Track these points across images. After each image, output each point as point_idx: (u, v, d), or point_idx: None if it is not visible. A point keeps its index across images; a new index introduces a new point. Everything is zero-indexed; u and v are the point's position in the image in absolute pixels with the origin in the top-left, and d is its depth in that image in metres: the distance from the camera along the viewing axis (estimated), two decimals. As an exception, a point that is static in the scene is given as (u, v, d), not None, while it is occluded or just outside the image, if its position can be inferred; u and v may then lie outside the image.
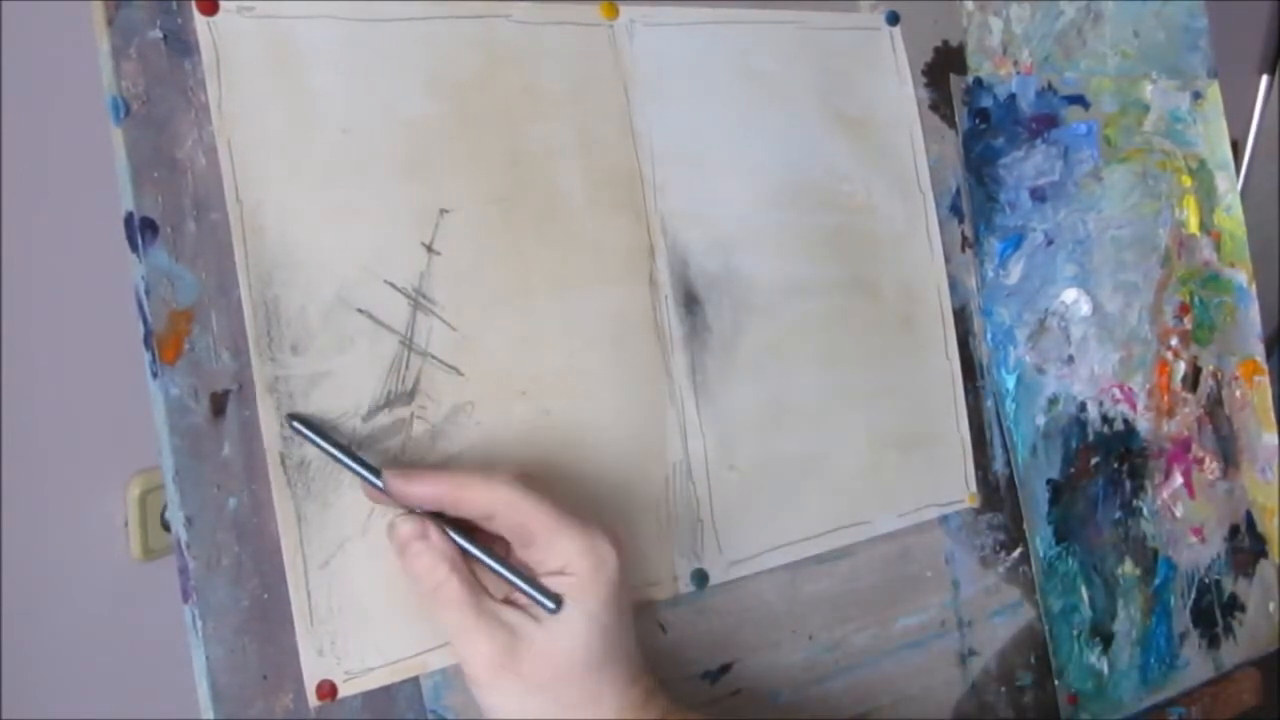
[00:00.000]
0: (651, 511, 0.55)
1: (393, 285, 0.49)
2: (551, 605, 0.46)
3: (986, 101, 0.69)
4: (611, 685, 0.47)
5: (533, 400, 0.52)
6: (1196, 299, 0.78)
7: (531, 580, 0.46)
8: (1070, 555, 0.69)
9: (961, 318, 0.67)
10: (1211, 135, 0.80)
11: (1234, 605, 0.77)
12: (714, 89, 0.59)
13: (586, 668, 0.46)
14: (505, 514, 0.46)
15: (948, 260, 0.66)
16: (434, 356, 0.50)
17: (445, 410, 0.50)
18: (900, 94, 0.66)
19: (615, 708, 0.47)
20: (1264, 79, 1.42)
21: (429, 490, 0.46)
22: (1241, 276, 0.81)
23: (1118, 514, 0.72)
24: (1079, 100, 0.73)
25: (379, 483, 0.46)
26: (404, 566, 0.47)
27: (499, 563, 0.46)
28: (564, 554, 0.46)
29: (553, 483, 0.48)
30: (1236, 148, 1.01)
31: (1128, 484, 0.73)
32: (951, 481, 0.65)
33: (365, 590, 0.47)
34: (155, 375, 0.45)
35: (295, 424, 0.46)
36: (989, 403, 0.67)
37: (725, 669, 0.56)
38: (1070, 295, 0.71)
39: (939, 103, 0.67)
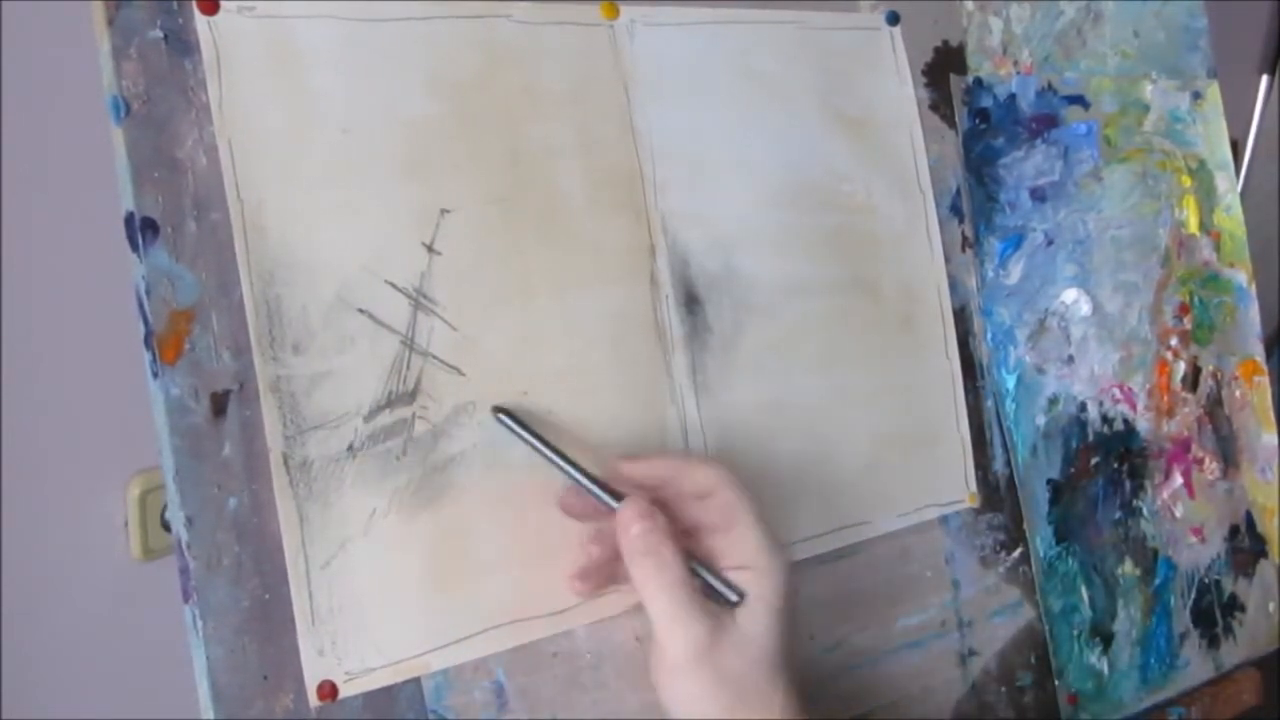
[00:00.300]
0: (652, 511, 0.55)
1: (393, 285, 0.49)
2: (735, 597, 0.48)
3: (986, 101, 0.69)
4: (786, 686, 0.48)
5: (534, 400, 0.52)
6: (1196, 299, 0.78)
7: (718, 573, 0.49)
8: (1070, 555, 0.69)
9: (961, 318, 0.67)
10: (1211, 135, 0.80)
11: (1234, 605, 0.77)
12: (714, 89, 0.59)
13: (771, 664, 0.48)
14: (723, 493, 0.49)
15: (948, 260, 0.66)
16: (435, 356, 0.50)
17: (447, 410, 0.50)
18: (900, 94, 0.66)
19: (784, 707, 0.48)
20: (1264, 79, 1.42)
21: (660, 465, 0.50)
22: (1241, 276, 0.81)
23: (1118, 514, 0.72)
24: (1079, 100, 0.73)
25: (584, 480, 0.49)
26: (628, 546, 0.48)
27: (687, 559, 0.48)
28: (753, 547, 0.48)
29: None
30: (1236, 148, 1.01)
31: (1128, 484, 0.73)
32: (951, 481, 0.65)
33: (366, 590, 0.47)
34: (155, 375, 0.45)
35: (501, 416, 0.49)
36: (989, 403, 0.67)
37: (726, 669, 0.56)
38: (1070, 295, 0.71)
39: (939, 103, 0.67)
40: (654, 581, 0.47)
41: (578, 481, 0.50)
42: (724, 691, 0.47)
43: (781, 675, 0.48)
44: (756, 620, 0.48)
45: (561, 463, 0.50)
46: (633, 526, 0.48)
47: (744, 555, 0.48)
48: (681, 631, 0.47)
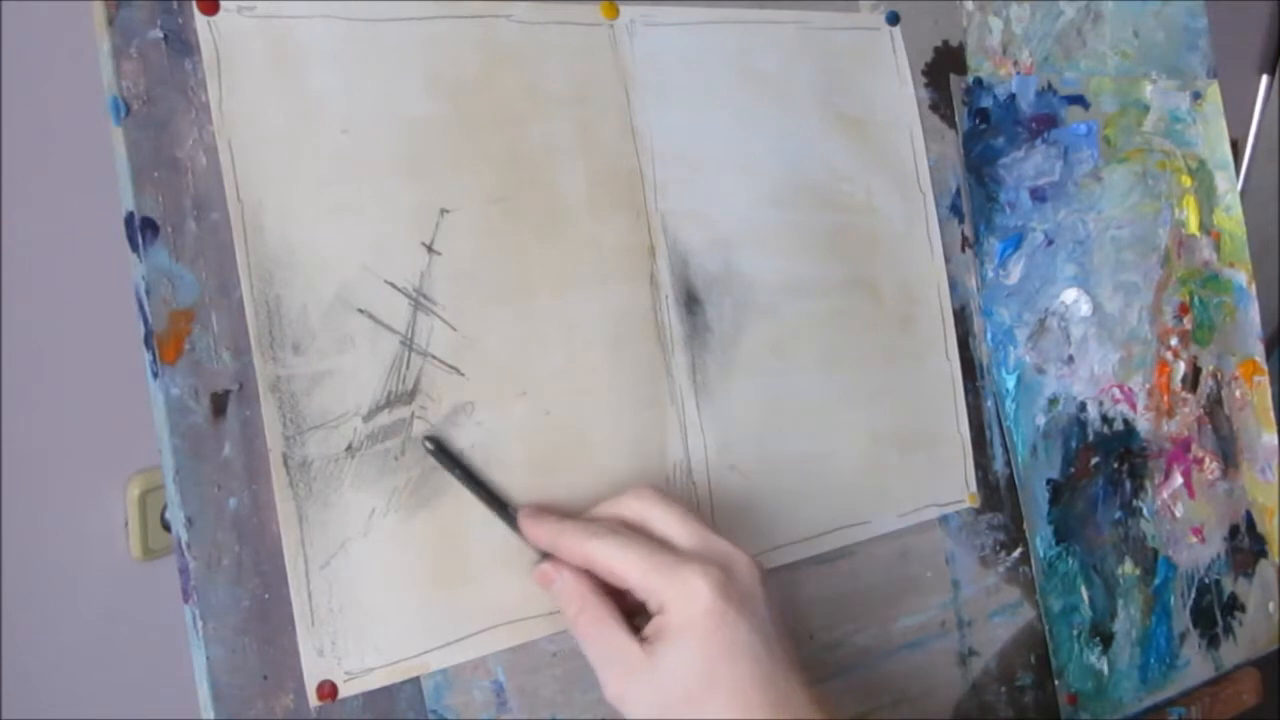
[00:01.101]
0: (652, 511, 0.55)
1: (393, 285, 0.49)
2: (510, 515, 0.50)
3: (986, 101, 0.69)
4: (726, 713, 0.46)
5: (533, 400, 0.52)
6: (1196, 299, 0.78)
7: (501, 509, 0.50)
8: (1070, 555, 0.69)
9: (961, 318, 0.67)
10: (1211, 135, 0.80)
11: (1234, 605, 0.77)
12: (714, 89, 0.59)
13: (693, 701, 0.46)
14: (601, 569, 0.48)
15: (948, 260, 0.66)
16: (434, 356, 0.50)
17: (446, 410, 0.50)
18: (900, 94, 0.66)
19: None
20: (1264, 79, 1.42)
21: (543, 536, 0.50)
22: (1241, 276, 0.81)
23: (1118, 514, 0.72)
24: (1079, 100, 0.73)
25: (513, 519, 0.50)
26: (554, 597, 0.49)
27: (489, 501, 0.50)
28: (656, 595, 0.47)
29: (666, 518, 0.50)
30: (1236, 148, 1.01)
31: (1128, 484, 0.73)
32: (951, 481, 0.65)
33: (366, 590, 0.47)
34: (155, 375, 0.45)
35: (428, 444, 0.49)
36: (989, 403, 0.67)
37: (725, 669, 0.56)
38: (1070, 295, 0.71)
39: (939, 103, 0.67)
40: (577, 628, 0.48)
41: (503, 520, 0.50)
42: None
43: (722, 702, 0.47)
44: (668, 657, 0.47)
45: (487, 501, 0.50)
46: (543, 584, 0.49)
47: (656, 601, 0.47)
48: (602, 675, 0.48)
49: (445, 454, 0.49)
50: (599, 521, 0.50)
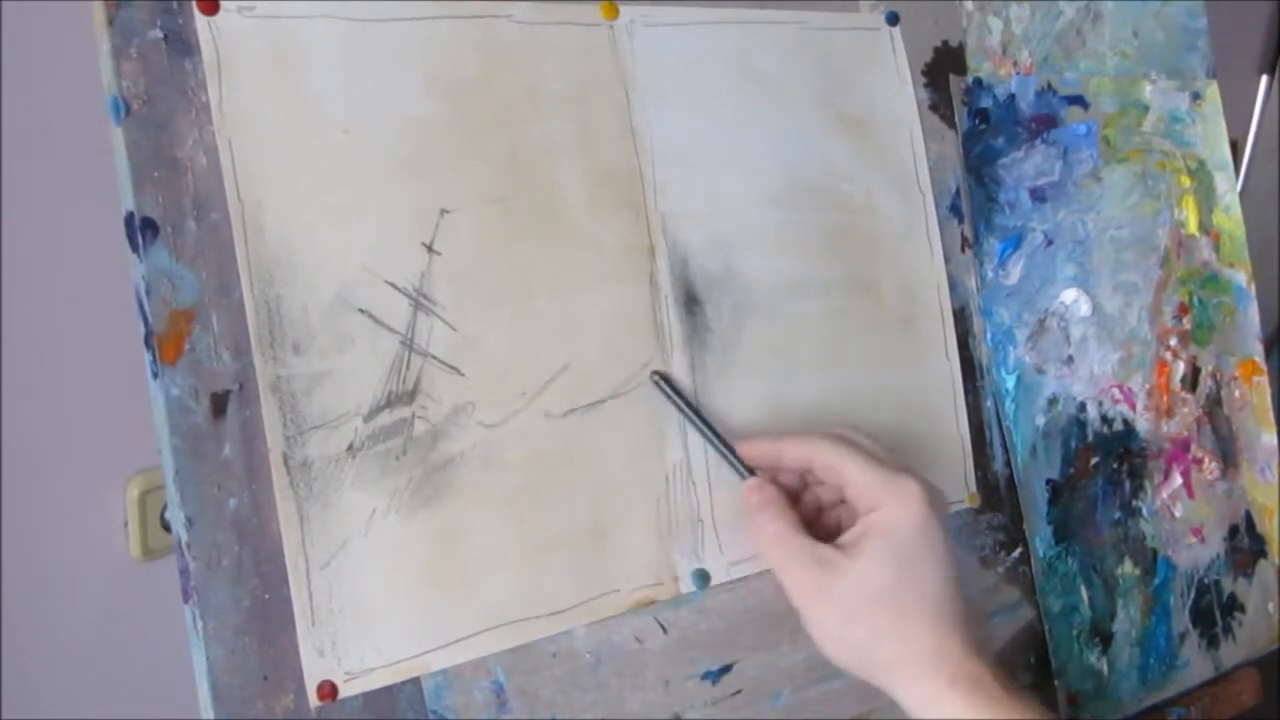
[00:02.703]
0: (652, 511, 0.55)
1: (393, 285, 0.49)
2: (744, 472, 0.55)
3: (986, 101, 0.69)
4: (918, 622, 0.50)
5: (533, 400, 0.52)
6: (1196, 299, 0.78)
7: (731, 450, 0.55)
8: (1070, 555, 0.69)
9: (961, 318, 0.67)
10: (1211, 135, 0.80)
11: (1233, 605, 0.77)
12: (714, 89, 0.59)
13: (891, 597, 0.50)
14: (821, 464, 0.53)
15: (948, 260, 0.66)
16: (434, 357, 0.50)
17: (446, 410, 0.50)
18: (900, 94, 0.66)
19: (923, 648, 0.50)
20: (1264, 79, 1.42)
21: (763, 450, 0.55)
22: (1240, 277, 0.81)
23: (1117, 514, 0.72)
24: (1078, 100, 0.73)
25: (724, 450, 0.55)
26: (745, 512, 0.54)
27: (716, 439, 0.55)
28: (873, 494, 0.52)
29: (877, 437, 0.55)
30: (1236, 148, 1.01)
31: (1127, 484, 0.73)
32: (951, 481, 0.65)
33: (367, 590, 0.47)
34: (156, 375, 0.45)
35: (655, 377, 0.54)
36: (989, 403, 0.67)
37: (726, 669, 0.56)
38: (1070, 295, 0.71)
39: (939, 103, 0.67)
40: (762, 539, 0.53)
41: (719, 452, 0.55)
42: (849, 627, 0.51)
43: (915, 609, 0.50)
44: (872, 556, 0.50)
45: (709, 433, 0.55)
46: (749, 497, 0.54)
47: (870, 500, 0.52)
48: (789, 579, 0.51)
49: (669, 386, 0.55)
50: (817, 432, 0.55)
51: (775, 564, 0.52)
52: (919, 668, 0.50)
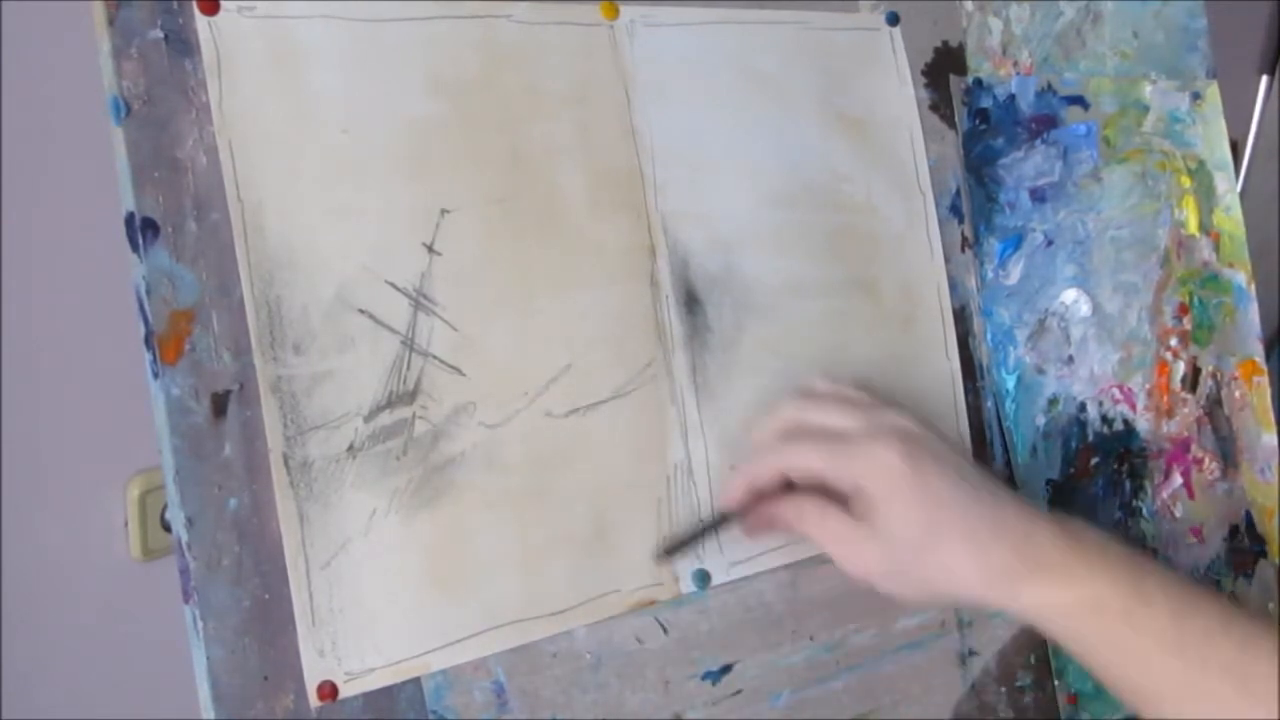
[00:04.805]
0: (652, 511, 0.55)
1: (394, 285, 0.49)
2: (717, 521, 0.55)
3: (986, 102, 0.69)
4: (953, 555, 0.51)
5: (533, 400, 0.52)
6: (1196, 299, 0.78)
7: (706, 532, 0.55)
8: (1070, 555, 0.69)
9: (961, 318, 0.67)
10: (1211, 136, 0.80)
11: (1233, 605, 0.77)
12: (714, 89, 0.59)
13: (921, 547, 0.51)
14: (796, 475, 0.53)
15: (948, 260, 0.66)
16: (435, 357, 0.50)
17: (447, 410, 0.50)
18: (900, 94, 0.66)
19: (974, 581, 0.51)
20: (1264, 79, 1.42)
21: (739, 486, 0.54)
22: (1241, 277, 0.81)
23: (1117, 514, 0.72)
24: (1078, 101, 0.73)
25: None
26: (792, 518, 0.54)
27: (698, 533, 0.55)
28: (849, 476, 0.52)
29: (835, 371, 0.57)
30: (1236, 148, 1.01)
31: (1127, 484, 0.73)
32: (951, 482, 0.65)
33: (367, 591, 0.47)
34: (156, 375, 0.45)
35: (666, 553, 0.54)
36: (989, 403, 0.67)
37: (726, 669, 0.56)
38: (1070, 295, 0.71)
39: (939, 103, 0.67)
40: (808, 529, 0.53)
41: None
42: (905, 580, 0.52)
43: (947, 548, 0.50)
44: (884, 518, 0.51)
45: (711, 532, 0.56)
46: (798, 506, 0.54)
47: (850, 480, 0.52)
48: (852, 563, 0.52)
49: (679, 549, 0.55)
50: (767, 443, 0.54)
51: (827, 551, 0.53)
52: (1011, 577, 0.50)
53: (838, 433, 0.53)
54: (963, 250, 0.67)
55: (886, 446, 0.51)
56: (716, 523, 0.55)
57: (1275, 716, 0.46)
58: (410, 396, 0.49)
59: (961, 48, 0.69)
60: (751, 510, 0.55)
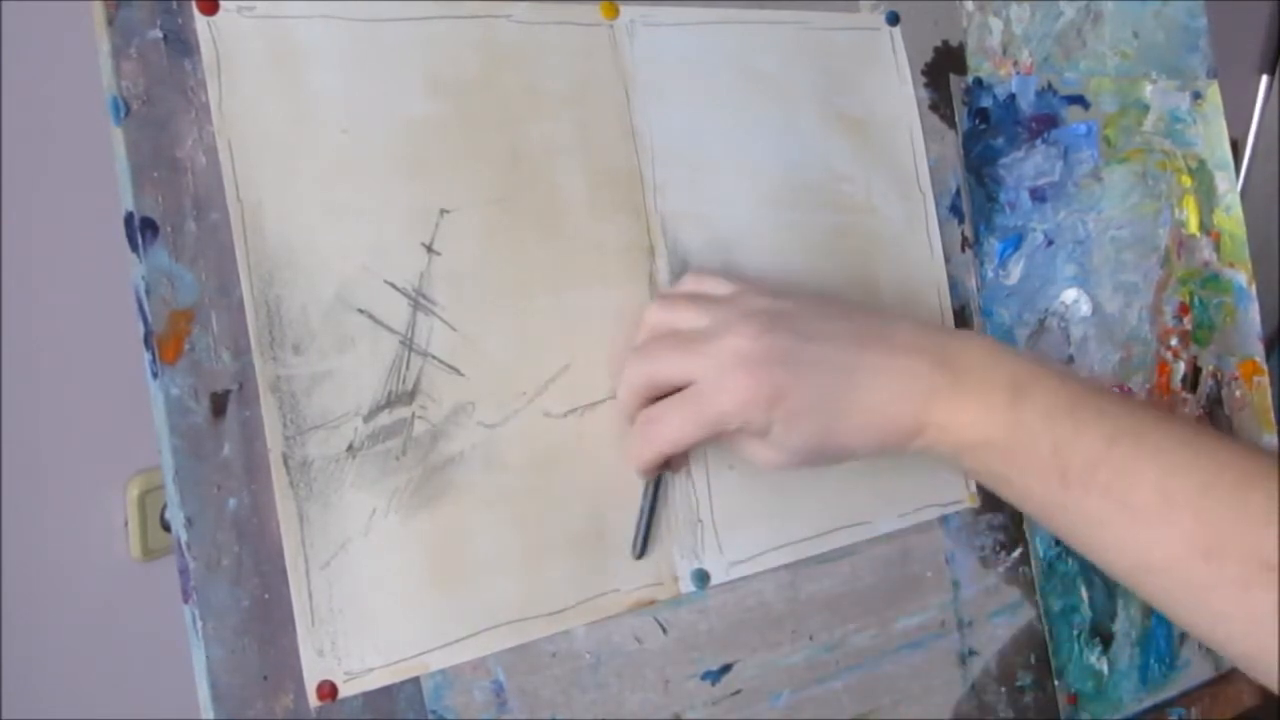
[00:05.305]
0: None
1: (393, 285, 0.49)
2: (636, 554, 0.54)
3: (986, 101, 0.69)
4: (851, 437, 0.50)
5: (533, 400, 0.52)
6: (1196, 299, 0.78)
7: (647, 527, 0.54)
8: (1070, 555, 0.69)
9: (961, 318, 0.67)
10: (1211, 135, 0.80)
11: (1234, 605, 0.77)
12: (714, 89, 0.59)
13: (817, 451, 0.50)
14: (661, 387, 0.51)
15: (948, 260, 0.66)
16: (434, 357, 0.50)
17: (446, 410, 0.50)
18: (900, 94, 0.66)
19: (857, 447, 0.51)
20: (1264, 79, 1.42)
21: (632, 414, 0.52)
22: (1241, 277, 0.81)
23: (1118, 514, 0.72)
24: (1079, 100, 0.73)
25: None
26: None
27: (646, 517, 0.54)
28: (702, 376, 0.49)
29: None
30: (1236, 148, 1.01)
31: (1128, 484, 0.73)
32: (951, 481, 0.65)
33: (366, 590, 0.47)
34: (155, 375, 0.45)
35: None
36: (989, 403, 0.67)
37: (726, 669, 0.56)
38: (1070, 295, 0.71)
39: (939, 103, 0.67)
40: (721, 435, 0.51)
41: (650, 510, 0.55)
42: (800, 458, 0.51)
43: (806, 416, 0.49)
44: (768, 444, 0.50)
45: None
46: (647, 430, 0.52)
47: (702, 379, 0.50)
48: (751, 454, 0.52)
49: (645, 541, 0.54)
50: (622, 360, 0.52)
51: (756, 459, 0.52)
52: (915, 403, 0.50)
53: (693, 333, 0.50)
54: (963, 250, 0.67)
55: (738, 335, 0.48)
56: (654, 496, 0.54)
57: (1157, 532, 0.46)
58: (409, 396, 0.49)
59: (962, 47, 0.69)
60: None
